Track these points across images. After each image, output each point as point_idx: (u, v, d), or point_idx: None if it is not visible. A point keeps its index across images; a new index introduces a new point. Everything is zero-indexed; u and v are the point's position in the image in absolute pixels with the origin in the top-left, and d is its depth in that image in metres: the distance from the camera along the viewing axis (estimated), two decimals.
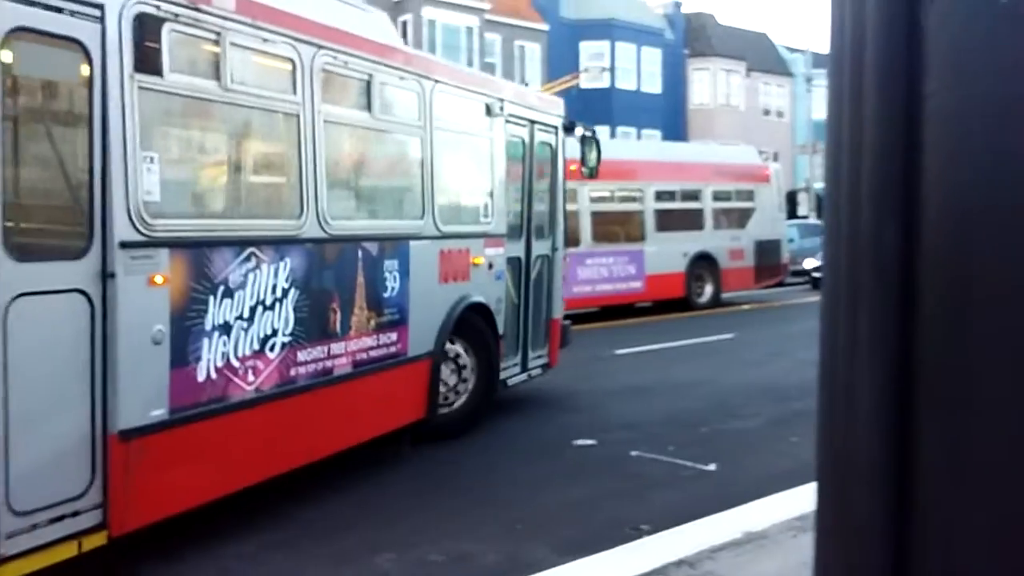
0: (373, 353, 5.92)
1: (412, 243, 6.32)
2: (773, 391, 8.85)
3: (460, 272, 6.95)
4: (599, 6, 32.63)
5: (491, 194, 7.38)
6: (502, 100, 7.49)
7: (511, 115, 7.65)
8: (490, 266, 7.32)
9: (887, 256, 0.95)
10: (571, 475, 6.14)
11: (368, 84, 5.85)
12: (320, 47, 5.33)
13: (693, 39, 37.11)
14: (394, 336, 6.15)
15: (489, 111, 7.32)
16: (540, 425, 7.69)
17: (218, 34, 4.59)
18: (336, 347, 5.54)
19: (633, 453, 6.61)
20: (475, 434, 7.11)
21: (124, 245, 4.06)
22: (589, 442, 6.98)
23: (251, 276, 4.82)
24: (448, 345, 6.91)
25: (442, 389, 6.93)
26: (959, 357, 0.91)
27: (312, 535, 4.94)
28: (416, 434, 6.69)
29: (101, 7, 3.95)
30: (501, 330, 7.55)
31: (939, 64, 0.92)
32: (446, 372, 6.98)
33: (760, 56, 40.04)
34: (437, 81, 6.59)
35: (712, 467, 6.21)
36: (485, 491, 5.80)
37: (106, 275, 4.01)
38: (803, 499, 4.39)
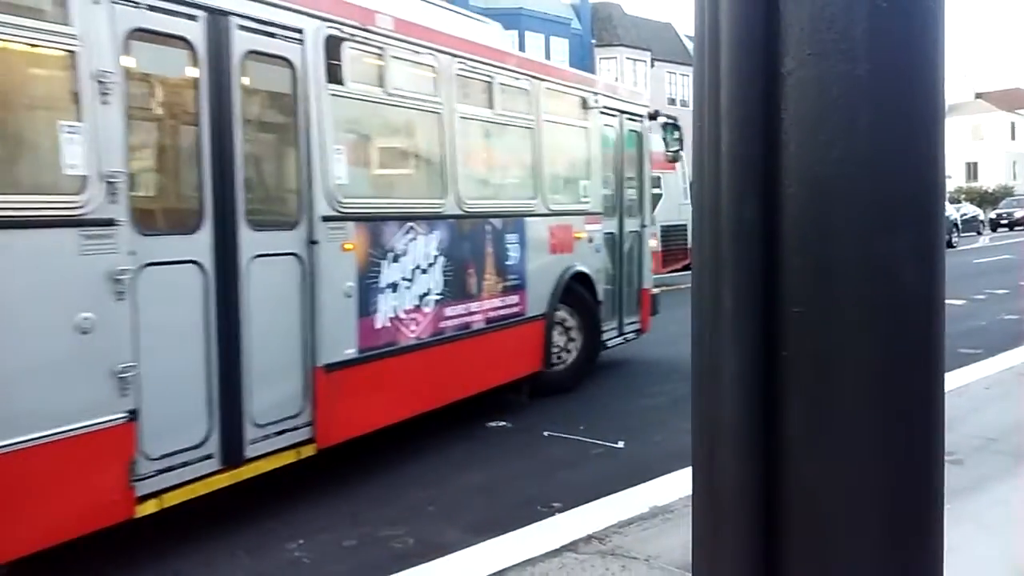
0: (500, 312, 6.98)
1: (527, 219, 7.36)
2: (679, 371, 8.71)
3: (566, 245, 7.97)
4: None
5: (589, 177, 8.38)
6: (596, 94, 8.48)
7: (604, 107, 8.63)
8: (590, 240, 8.32)
9: (747, 229, 0.97)
10: (483, 458, 6.14)
11: (490, 85, 6.92)
12: (454, 56, 6.41)
13: (600, 29, 37.50)
14: (516, 298, 7.20)
15: (585, 104, 8.32)
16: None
17: (382, 49, 5.71)
18: (473, 305, 6.62)
19: (545, 433, 6.69)
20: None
21: (324, 219, 5.19)
22: (502, 423, 7.01)
23: (411, 245, 5.93)
24: (557, 312, 7.93)
25: (553, 349, 7.95)
26: (820, 327, 0.94)
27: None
28: (532, 386, 7.74)
29: (301, 31, 5.09)
30: (600, 297, 8.55)
31: (796, 43, 0.93)
32: (556, 334, 8.00)
33: (666, 46, 40.43)
34: (543, 80, 7.62)
35: (621, 444, 6.34)
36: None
37: (312, 242, 5.14)
38: None
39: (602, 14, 38.30)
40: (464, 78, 6.61)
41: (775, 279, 0.97)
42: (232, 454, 4.68)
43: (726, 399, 1.01)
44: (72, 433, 3.79)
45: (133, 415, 4.06)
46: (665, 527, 4.23)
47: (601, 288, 8.57)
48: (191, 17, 4.42)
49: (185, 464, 4.40)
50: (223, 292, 4.60)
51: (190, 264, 4.43)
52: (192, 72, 4.49)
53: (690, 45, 39.95)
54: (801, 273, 0.96)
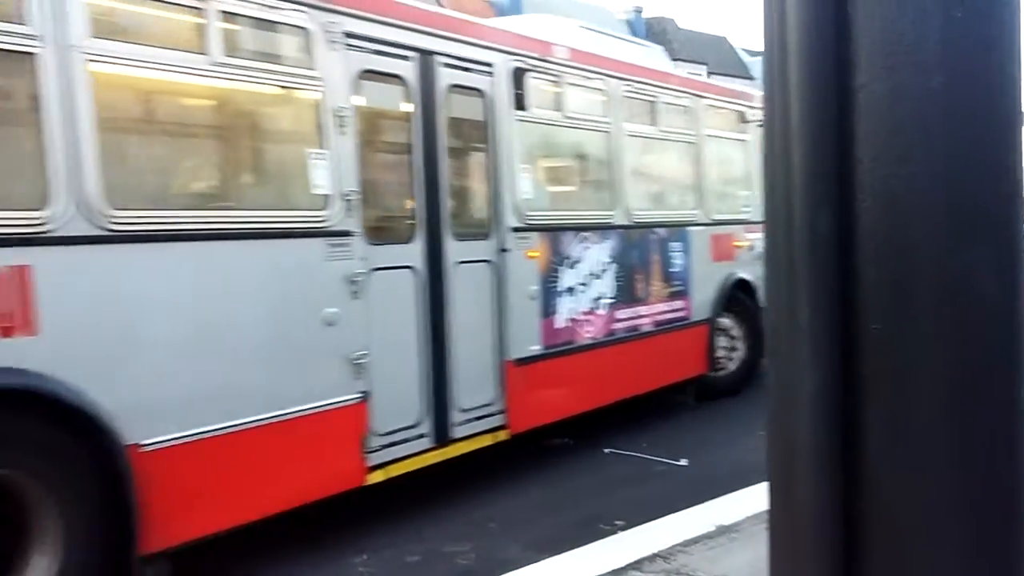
0: (666, 316, 7.44)
1: (690, 229, 7.80)
2: (754, 384, 8.51)
3: (727, 253, 8.34)
4: (561, 11, 32.58)
5: (748, 187, 8.73)
6: (752, 107, 8.83)
7: (761, 120, 8.96)
8: (751, 248, 8.65)
9: (821, 244, 0.94)
10: (544, 474, 6.10)
11: (654, 104, 7.44)
12: (622, 79, 6.98)
13: (655, 43, 36.42)
14: (681, 303, 7.64)
15: (743, 118, 8.69)
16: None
17: (558, 77, 6.35)
18: (641, 309, 7.12)
19: (607, 450, 6.61)
20: None
21: (512, 229, 5.85)
22: (564, 440, 6.87)
23: (585, 252, 6.51)
24: (721, 318, 8.30)
25: (718, 354, 8.32)
26: (898, 341, 0.91)
27: None
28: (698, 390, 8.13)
29: (492, 65, 5.79)
30: (763, 304, 8.85)
31: (868, 56, 0.92)
32: (719, 339, 8.36)
33: (721, 58, 38.88)
34: (703, 97, 8.07)
35: (684, 463, 6.26)
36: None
37: (502, 250, 5.80)
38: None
39: (656, 28, 38.24)
40: (631, 99, 7.16)
41: (851, 294, 0.95)
42: (441, 434, 5.37)
43: (803, 416, 0.98)
44: (320, 409, 4.56)
45: (365, 396, 4.81)
46: (732, 546, 4.16)
47: (762, 295, 8.87)
48: (405, 58, 5.19)
49: (404, 441, 5.12)
50: (432, 293, 5.31)
51: (407, 269, 5.17)
52: (406, 105, 5.26)
53: (745, 58, 38.87)
54: (878, 287, 0.93)
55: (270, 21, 4.46)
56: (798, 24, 0.97)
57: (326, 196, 4.63)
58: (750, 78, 40.47)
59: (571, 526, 4.97)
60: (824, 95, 0.96)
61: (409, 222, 5.26)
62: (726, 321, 8.48)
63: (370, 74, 4.98)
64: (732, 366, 8.60)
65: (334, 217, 4.66)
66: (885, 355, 0.94)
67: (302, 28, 4.58)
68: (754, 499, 4.63)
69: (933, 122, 0.90)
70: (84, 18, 3.66)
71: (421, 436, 5.24)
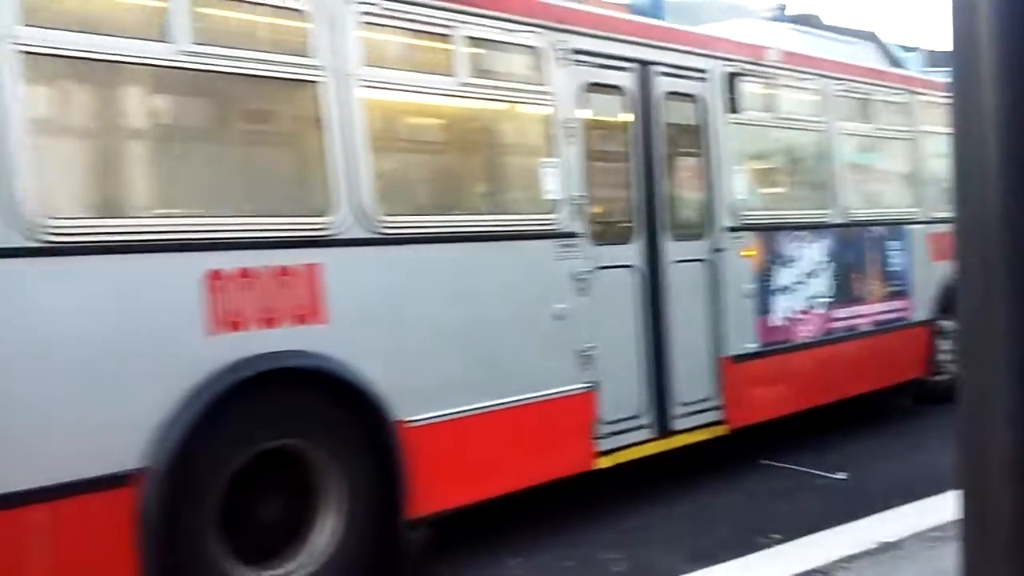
0: (884, 316, 7.32)
1: (908, 227, 7.63)
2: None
3: (946, 252, 8.06)
4: (704, 11, 30.33)
5: None
6: None
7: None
8: None
9: (1020, 241, 0.90)
10: (697, 484, 5.99)
11: (867, 101, 7.36)
12: (834, 78, 6.98)
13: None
14: (899, 303, 7.49)
15: None
16: None
17: (771, 79, 6.46)
18: (858, 308, 7.06)
19: (762, 461, 6.43)
20: None
21: (727, 229, 6.02)
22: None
23: (800, 252, 6.56)
24: (941, 320, 8.02)
25: (939, 357, 8.04)
26: None
27: None
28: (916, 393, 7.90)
29: (705, 71, 6.00)
30: None
31: None
32: (940, 341, 8.08)
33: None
34: (919, 93, 7.88)
35: (843, 476, 6.08)
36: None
37: (716, 250, 5.98)
38: (939, 510, 4.32)
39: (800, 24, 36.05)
40: (845, 97, 7.14)
41: None
42: (663, 426, 5.62)
43: (999, 428, 0.94)
44: (555, 396, 4.94)
45: (593, 386, 5.15)
46: (895, 564, 4.03)
47: None
48: (625, 69, 5.51)
49: (629, 430, 5.41)
50: (651, 291, 5.58)
51: (627, 268, 5.48)
52: (625, 114, 5.58)
53: (898, 54, 36.25)
54: None
55: (507, 43, 4.92)
56: (990, 16, 0.93)
57: (556, 201, 5.02)
58: None
59: (726, 538, 4.90)
60: (1018, 84, 0.91)
61: (629, 224, 5.56)
62: (947, 323, 8.17)
63: (594, 87, 5.35)
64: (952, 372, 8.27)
65: (563, 220, 5.04)
66: None
67: (534, 48, 5.00)
68: (917, 516, 4.54)
69: None
70: (358, 50, 4.24)
71: (643, 427, 5.51)
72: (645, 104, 5.62)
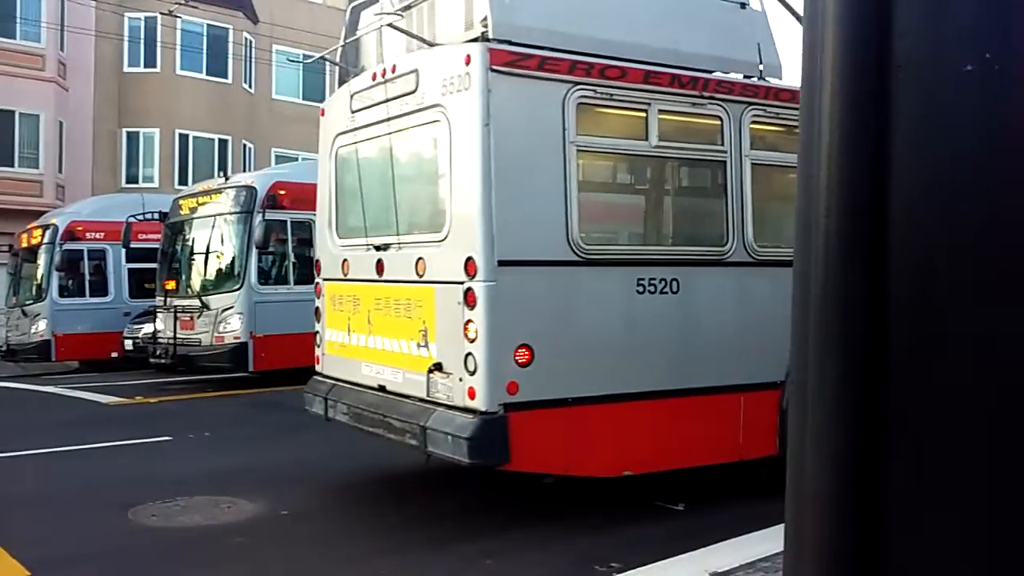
0: None
1: None
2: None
3: None
4: None
5: None
6: None
7: None
8: None
9: (854, 303, 0.97)
10: (536, 512, 6.29)
11: None
12: None
13: None
14: None
15: None
16: None
17: None
18: None
19: (604, 491, 6.58)
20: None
21: None
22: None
23: None
24: None
25: None
26: (925, 402, 0.94)
27: None
28: None
29: None
30: None
31: (907, 129, 0.95)
32: None
33: None
34: None
35: (681, 507, 6.27)
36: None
37: None
38: (771, 541, 4.56)
39: None
40: None
41: (879, 353, 0.97)
42: None
43: (820, 465, 1.02)
44: None
45: None
46: None
47: None
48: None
49: None
50: None
51: None
52: None
53: None
54: (906, 347, 0.96)
55: None
56: (838, 96, 1.01)
57: None
58: None
59: (566, 567, 5.17)
60: (862, 161, 0.98)
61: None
62: None
63: None
64: None
65: None
66: (912, 416, 0.94)
67: None
68: (749, 547, 4.80)
69: (964, 189, 0.93)
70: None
71: None
72: None
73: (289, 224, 13.74)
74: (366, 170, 7.06)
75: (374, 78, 6.65)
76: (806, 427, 1.05)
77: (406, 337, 6.17)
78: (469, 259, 5.52)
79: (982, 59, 0.94)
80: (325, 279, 7.46)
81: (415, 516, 6.42)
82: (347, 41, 7.42)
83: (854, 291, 1.01)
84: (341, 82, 7.55)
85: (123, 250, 16.52)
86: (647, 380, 5.95)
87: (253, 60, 28.63)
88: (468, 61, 5.55)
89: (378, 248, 6.59)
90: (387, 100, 6.43)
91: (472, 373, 5.50)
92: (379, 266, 6.55)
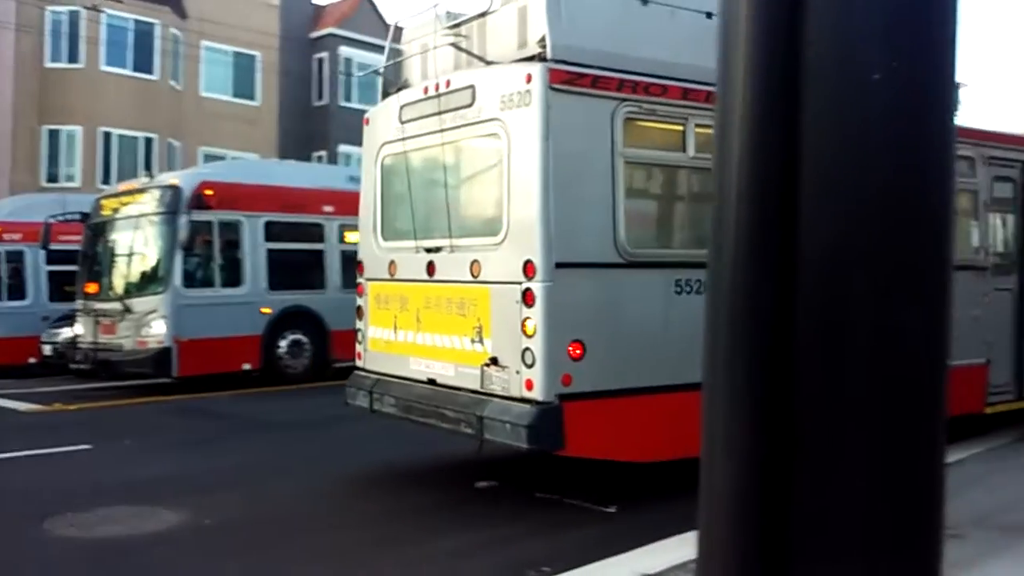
0: None
1: None
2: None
3: None
4: None
5: None
6: None
7: None
8: None
9: (762, 304, 0.98)
10: (470, 519, 6.25)
11: None
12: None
13: None
14: None
15: None
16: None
17: None
18: None
19: (537, 495, 6.70)
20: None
21: None
22: (492, 483, 7.11)
23: None
24: None
25: None
26: (832, 403, 0.96)
27: None
28: None
29: None
30: None
31: (816, 134, 0.97)
32: None
33: None
34: None
35: (612, 509, 6.33)
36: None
37: None
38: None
39: None
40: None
41: (787, 351, 0.98)
42: (1020, 393, 8.39)
43: (732, 471, 1.03)
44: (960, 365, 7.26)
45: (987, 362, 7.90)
46: None
47: None
48: (1013, 166, 8.42)
49: (1002, 392, 8.12)
50: (1021, 306, 8.31)
51: (1008, 291, 8.25)
52: (1014, 193, 8.49)
53: None
54: (812, 344, 0.98)
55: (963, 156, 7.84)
56: (749, 115, 1.03)
57: (976, 247, 8.09)
58: None
59: (498, 572, 5.21)
60: (770, 171, 1.00)
61: (1010, 263, 8.38)
62: None
63: (997, 179, 8.19)
64: None
65: (979, 260, 7.97)
66: (818, 416, 0.96)
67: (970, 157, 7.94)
68: (680, 548, 4.76)
69: (871, 193, 0.96)
70: None
71: (1009, 392, 8.28)
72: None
73: (216, 225, 13.37)
74: (416, 176, 7.46)
75: (426, 92, 7.09)
76: (716, 429, 1.06)
77: (459, 333, 6.60)
78: (528, 261, 6.01)
79: (888, 67, 0.96)
80: (369, 279, 7.85)
81: (341, 523, 6.38)
82: (404, 57, 7.84)
83: (762, 293, 1.01)
84: (385, 94, 7.98)
85: (42, 252, 16.01)
86: (683, 373, 6.10)
87: (181, 56, 27.94)
88: (529, 79, 6.06)
89: (429, 250, 7.03)
90: (440, 112, 6.86)
91: (530, 366, 5.97)
92: (430, 267, 7.00)
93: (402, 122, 7.41)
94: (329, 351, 13.98)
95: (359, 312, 7.89)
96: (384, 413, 7.29)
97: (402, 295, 7.33)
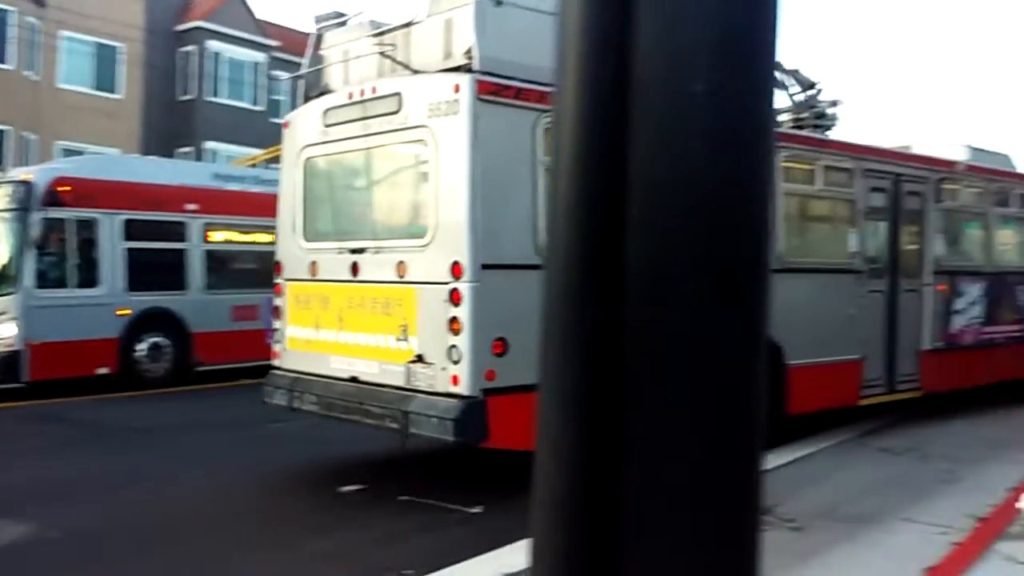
0: (1015, 334, 11.30)
1: None
2: None
3: None
4: None
5: None
6: None
7: None
8: None
9: (591, 310, 1.02)
10: (335, 523, 6.17)
11: (1009, 193, 11.36)
12: (993, 180, 10.99)
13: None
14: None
15: None
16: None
17: (960, 181, 10.52)
18: (1002, 327, 11.08)
19: (402, 498, 6.63)
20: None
21: (933, 273, 10.08)
22: (357, 487, 7.00)
23: (970, 288, 10.62)
24: None
25: None
26: (657, 406, 1.00)
27: None
28: None
29: (926, 178, 10.09)
30: None
31: (642, 146, 1.00)
32: None
33: None
34: None
35: (478, 510, 6.32)
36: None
37: (925, 284, 10.01)
38: None
39: None
40: (999, 191, 11.17)
41: (615, 352, 1.01)
42: (890, 386, 9.71)
43: (559, 474, 1.07)
44: (839, 360, 8.99)
45: (863, 358, 9.25)
46: None
47: None
48: (885, 178, 9.67)
49: (874, 386, 9.49)
50: (891, 307, 9.68)
51: (880, 293, 9.58)
52: (886, 203, 9.74)
53: None
54: (636, 347, 1.00)
55: (844, 168, 9.15)
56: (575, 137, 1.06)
57: (854, 252, 9.21)
58: None
59: (359, 574, 5.20)
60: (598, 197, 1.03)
61: (882, 267, 9.70)
62: None
63: (873, 189, 9.51)
64: None
65: (856, 264, 9.20)
66: (643, 416, 1.00)
67: (849, 169, 9.22)
68: None
69: (695, 202, 0.99)
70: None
71: (879, 386, 9.58)
72: (895, 198, 9.81)
73: (72, 223, 12.74)
74: (340, 179, 7.84)
75: (351, 97, 7.34)
76: (546, 433, 1.10)
77: (383, 332, 6.85)
78: (456, 263, 6.31)
79: (709, 79, 0.99)
80: (288, 279, 8.02)
81: (200, 530, 6.21)
82: (328, 64, 8.04)
83: (589, 301, 1.05)
84: (306, 98, 8.24)
85: None
86: None
87: (38, 46, 26.33)
88: (457, 89, 6.37)
89: (353, 251, 7.26)
90: (365, 118, 7.14)
91: (456, 363, 6.30)
92: (354, 268, 7.23)
93: (326, 126, 7.60)
94: (191, 354, 13.49)
95: (276, 312, 8.06)
96: (305, 411, 7.45)
97: (324, 295, 7.52)
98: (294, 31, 33.23)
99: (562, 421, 1.07)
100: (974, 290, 10.71)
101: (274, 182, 14.50)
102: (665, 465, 1.01)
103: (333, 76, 8.06)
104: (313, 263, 7.69)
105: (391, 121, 6.95)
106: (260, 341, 12.55)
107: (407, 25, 7.27)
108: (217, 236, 14.16)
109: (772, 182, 1.06)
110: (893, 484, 7.05)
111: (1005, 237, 11.67)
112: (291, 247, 8.06)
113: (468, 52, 6.47)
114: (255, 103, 30.96)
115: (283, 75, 29.17)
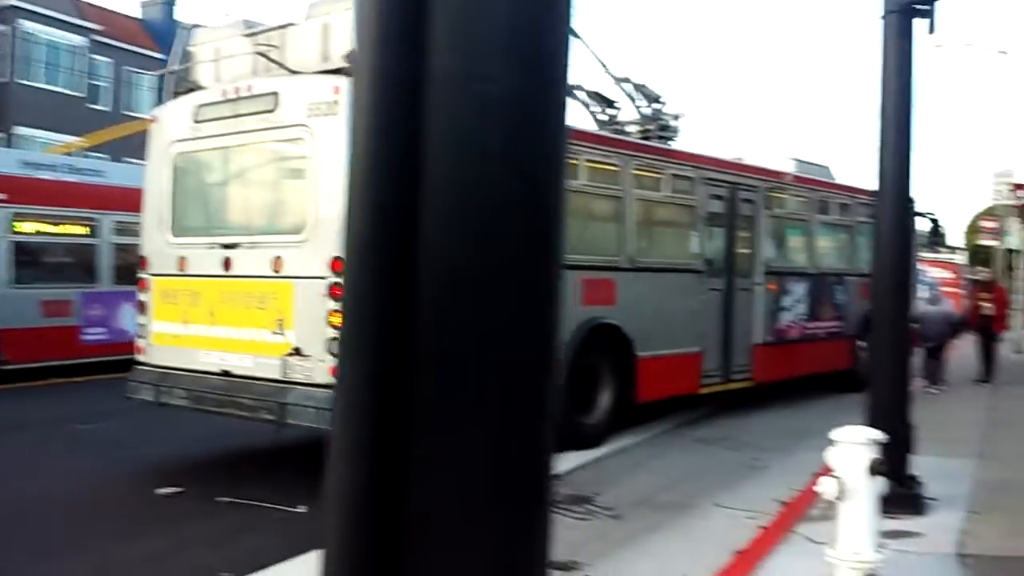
0: (832, 329, 12.43)
1: (846, 277, 12.71)
2: None
3: (862, 294, 13.25)
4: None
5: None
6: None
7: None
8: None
9: (382, 305, 1.03)
10: (153, 526, 6.00)
11: (828, 202, 12.46)
12: (816, 189, 12.03)
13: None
14: (838, 322, 12.60)
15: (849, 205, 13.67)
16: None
17: (785, 191, 11.44)
18: (822, 323, 12.17)
19: (222, 499, 6.46)
20: None
21: (764, 273, 10.94)
22: (175, 490, 6.77)
23: (795, 287, 11.64)
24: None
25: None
26: (445, 401, 1.02)
27: None
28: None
29: (757, 186, 10.93)
30: None
31: (435, 143, 1.01)
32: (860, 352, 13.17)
33: None
34: (853, 195, 13.03)
35: (302, 509, 6.16)
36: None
37: (757, 284, 10.89)
38: None
39: None
40: (822, 200, 12.32)
41: (409, 355, 1.03)
42: (725, 377, 10.55)
43: (349, 472, 1.07)
44: (683, 352, 9.68)
45: (703, 351, 9.97)
46: None
47: None
48: (723, 186, 10.48)
49: (712, 376, 10.26)
50: (727, 304, 10.51)
51: (719, 291, 10.40)
52: (724, 209, 10.55)
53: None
54: (434, 345, 1.03)
55: (686, 177, 9.83)
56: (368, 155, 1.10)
57: (695, 253, 9.90)
58: None
59: None
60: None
61: (721, 266, 10.54)
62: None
63: (712, 196, 10.30)
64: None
65: (697, 264, 9.91)
66: (433, 412, 1.02)
67: (691, 177, 9.91)
68: None
69: (483, 200, 1.02)
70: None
71: (718, 376, 10.41)
72: (732, 204, 10.69)
73: None
74: (212, 175, 7.86)
75: (224, 95, 7.39)
76: (337, 431, 1.10)
77: (258, 326, 6.91)
78: (336, 258, 6.26)
79: (507, 81, 1.00)
80: (154, 274, 7.90)
81: (12, 534, 5.89)
82: (199, 61, 8.01)
83: (381, 300, 1.05)
84: (175, 94, 8.26)
85: None
86: None
87: None
88: (337, 91, 6.53)
89: (225, 246, 7.27)
90: (240, 115, 7.20)
91: (334, 355, 6.47)
92: (227, 263, 7.24)
93: (197, 122, 7.56)
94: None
95: (141, 307, 7.97)
96: (173, 405, 7.43)
97: (193, 290, 7.47)
98: (118, 14, 31.82)
99: (351, 418, 1.08)
100: (799, 289, 11.72)
101: (90, 171, 14.69)
102: (454, 459, 1.03)
103: (203, 73, 8.01)
104: (182, 258, 7.64)
105: (267, 119, 7.01)
106: (74, 338, 12.64)
107: (283, 27, 7.33)
108: (26, 227, 13.19)
109: (564, 181, 1.08)
110: (707, 472, 7.43)
111: (825, 241, 12.81)
112: (158, 242, 7.97)
113: (347, 55, 6.53)
114: (74, 88, 29.50)
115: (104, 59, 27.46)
